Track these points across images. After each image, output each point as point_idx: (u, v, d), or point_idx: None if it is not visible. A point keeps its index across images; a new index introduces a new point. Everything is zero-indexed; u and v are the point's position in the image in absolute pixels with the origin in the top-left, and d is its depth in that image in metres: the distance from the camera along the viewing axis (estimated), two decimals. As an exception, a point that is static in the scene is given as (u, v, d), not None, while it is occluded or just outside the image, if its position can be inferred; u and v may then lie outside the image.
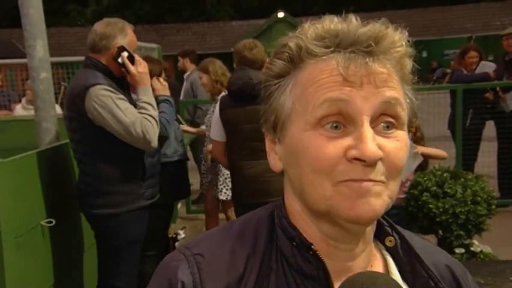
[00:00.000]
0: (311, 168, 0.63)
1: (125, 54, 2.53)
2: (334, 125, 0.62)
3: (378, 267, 0.73)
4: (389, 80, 0.63)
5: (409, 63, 0.67)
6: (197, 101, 5.86)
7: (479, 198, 3.37)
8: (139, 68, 2.58)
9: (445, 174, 3.52)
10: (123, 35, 2.57)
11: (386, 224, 0.75)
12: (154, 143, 2.54)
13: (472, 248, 3.52)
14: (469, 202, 3.34)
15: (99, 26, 2.57)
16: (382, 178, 0.62)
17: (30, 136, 3.15)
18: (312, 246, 0.66)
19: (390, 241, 0.74)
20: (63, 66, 6.66)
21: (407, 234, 0.77)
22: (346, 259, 0.69)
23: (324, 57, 0.64)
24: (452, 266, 0.78)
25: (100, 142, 2.51)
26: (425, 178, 3.52)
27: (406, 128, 0.66)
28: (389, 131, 0.63)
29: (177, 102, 5.85)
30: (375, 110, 0.62)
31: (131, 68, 2.55)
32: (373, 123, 0.62)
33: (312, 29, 0.66)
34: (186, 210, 5.83)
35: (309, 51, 0.64)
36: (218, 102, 4.07)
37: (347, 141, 0.62)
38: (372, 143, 0.60)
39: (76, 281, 2.97)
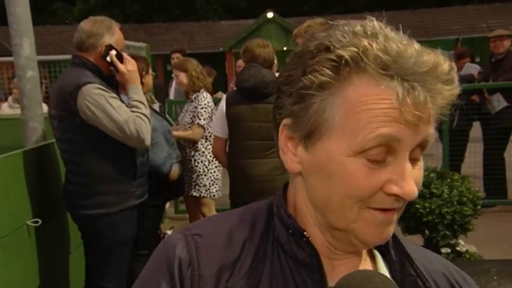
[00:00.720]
0: (346, 192, 0.63)
1: (113, 52, 2.51)
2: (378, 157, 0.62)
3: (368, 264, 0.74)
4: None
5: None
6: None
7: (465, 199, 3.41)
8: (129, 67, 2.56)
9: (431, 175, 3.55)
10: (111, 33, 2.54)
11: None
12: (148, 141, 2.53)
13: (457, 248, 3.55)
14: (455, 202, 3.37)
15: (86, 24, 2.55)
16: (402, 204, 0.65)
17: (17, 135, 3.12)
18: (305, 233, 0.68)
19: None
20: (50, 64, 6.60)
21: (404, 242, 0.77)
22: (342, 258, 0.72)
23: (381, 82, 0.60)
24: (449, 276, 0.77)
25: (92, 141, 2.49)
26: (412, 178, 3.55)
27: None
28: (417, 161, 0.65)
29: (164, 102, 5.83)
30: (415, 145, 0.63)
31: (120, 66, 2.53)
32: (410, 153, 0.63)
33: (373, 44, 0.60)
34: (174, 210, 5.82)
35: (367, 71, 0.60)
36: (200, 100, 4.07)
37: (386, 173, 0.62)
38: (412, 181, 0.62)
39: (62, 282, 2.95)
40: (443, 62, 0.61)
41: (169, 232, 4.64)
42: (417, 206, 3.39)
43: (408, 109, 0.59)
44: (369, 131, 0.60)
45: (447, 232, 3.43)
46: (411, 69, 0.59)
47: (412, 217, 3.47)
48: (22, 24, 2.72)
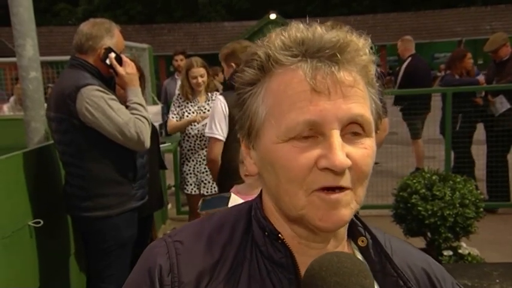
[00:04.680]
0: (286, 178, 0.66)
1: (113, 55, 2.50)
2: (306, 139, 0.66)
3: None
4: (355, 87, 0.66)
5: (373, 69, 0.70)
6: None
7: (467, 201, 3.39)
8: (128, 69, 2.55)
9: (434, 177, 3.54)
10: (110, 35, 2.53)
11: (359, 224, 0.78)
12: (147, 143, 2.53)
13: (459, 251, 3.54)
14: (458, 205, 3.36)
15: (85, 27, 2.53)
16: (351, 185, 0.66)
17: (19, 136, 3.12)
18: (280, 235, 0.71)
19: (362, 241, 0.77)
20: (53, 65, 6.61)
21: (387, 237, 0.81)
22: (317, 255, 0.70)
23: (292, 67, 0.66)
24: (429, 271, 0.80)
25: (92, 143, 2.48)
26: (414, 181, 3.54)
27: (373, 134, 0.69)
28: (357, 139, 0.67)
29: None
30: (343, 123, 0.65)
31: (119, 69, 2.52)
32: (342, 131, 0.66)
33: (278, 38, 0.68)
34: (176, 211, 5.82)
35: (277, 60, 0.67)
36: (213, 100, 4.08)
37: (317, 151, 0.65)
38: (340, 152, 0.64)
39: (63, 282, 2.95)
40: (349, 36, 0.67)
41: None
42: (419, 208, 3.38)
43: (318, 82, 0.64)
44: (289, 120, 0.65)
45: (449, 235, 3.42)
46: (317, 47, 0.65)
47: (414, 219, 3.46)
48: (25, 24, 2.73)
